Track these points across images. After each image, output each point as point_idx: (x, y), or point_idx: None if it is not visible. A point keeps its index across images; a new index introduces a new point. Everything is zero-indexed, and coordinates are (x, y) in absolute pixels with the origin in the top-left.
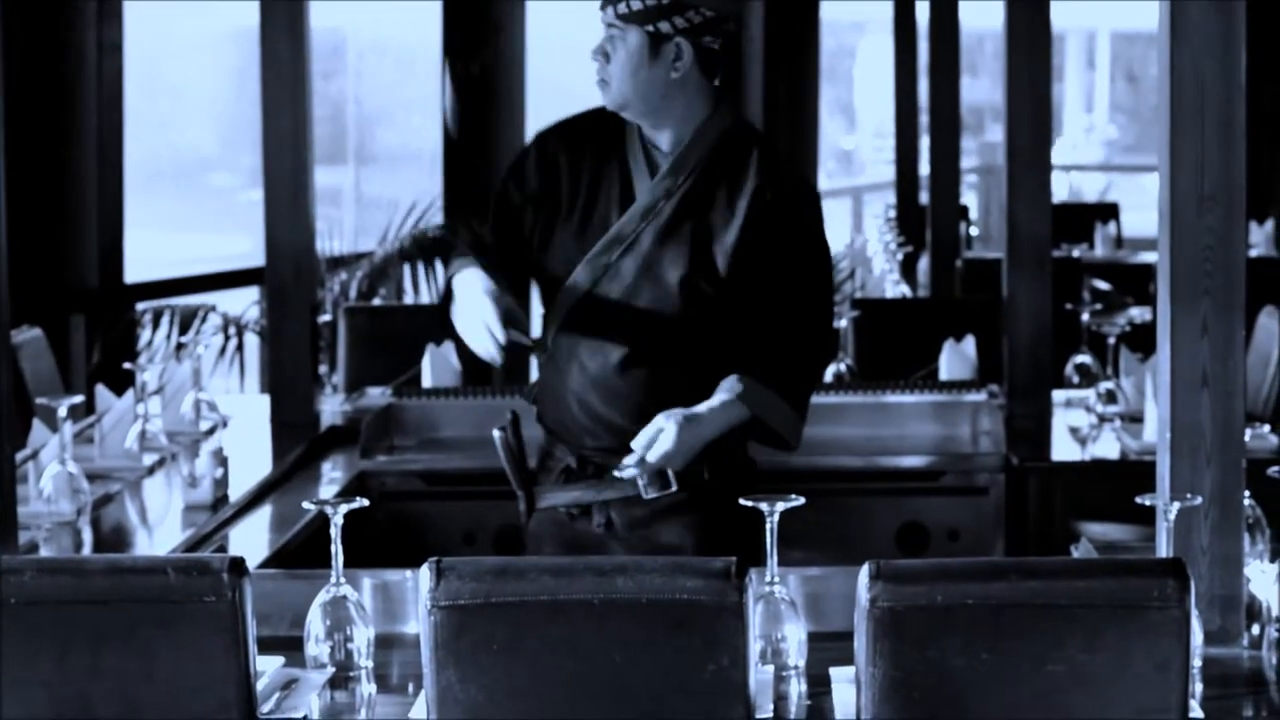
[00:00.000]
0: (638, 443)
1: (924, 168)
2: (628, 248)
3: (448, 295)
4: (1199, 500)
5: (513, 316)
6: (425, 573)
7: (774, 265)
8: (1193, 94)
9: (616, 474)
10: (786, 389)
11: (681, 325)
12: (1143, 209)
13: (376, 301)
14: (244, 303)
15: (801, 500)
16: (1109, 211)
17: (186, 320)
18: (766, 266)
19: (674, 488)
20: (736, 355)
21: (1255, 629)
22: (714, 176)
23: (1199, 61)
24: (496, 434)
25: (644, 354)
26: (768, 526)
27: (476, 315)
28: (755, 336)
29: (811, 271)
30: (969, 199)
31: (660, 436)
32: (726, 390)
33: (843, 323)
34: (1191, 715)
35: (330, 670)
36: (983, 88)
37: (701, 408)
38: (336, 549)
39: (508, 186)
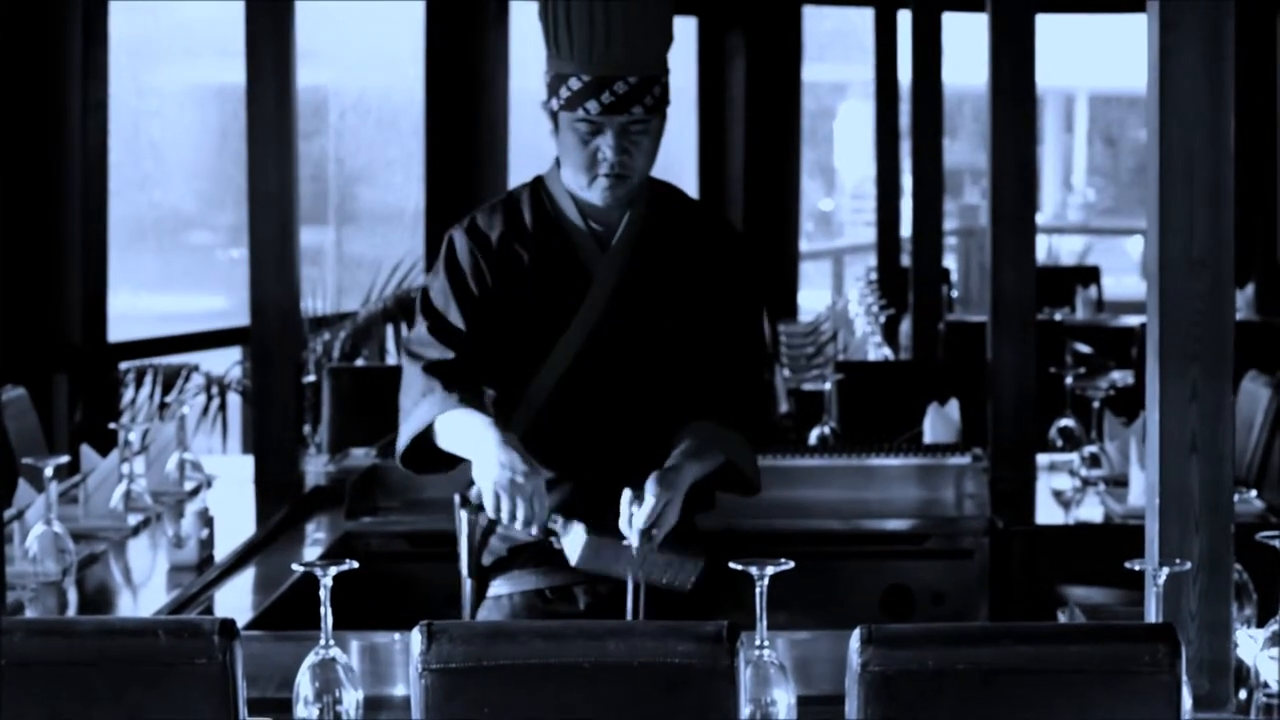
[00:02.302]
0: (631, 519)
1: (904, 229)
2: (597, 327)
3: (424, 441)
4: (1188, 565)
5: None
6: (416, 636)
7: (724, 310)
8: (1181, 158)
9: (628, 546)
10: (747, 429)
11: (659, 389)
12: (1121, 272)
13: (360, 362)
14: (226, 362)
15: (791, 564)
16: (1090, 275)
17: (169, 380)
18: (718, 312)
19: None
20: (692, 400)
21: (1242, 694)
22: (659, 237)
23: (1188, 126)
24: (463, 514)
25: (630, 425)
26: (757, 590)
27: (521, 485)
28: (707, 380)
29: (753, 310)
30: (948, 261)
31: (653, 509)
32: (694, 436)
33: (826, 385)
34: None
35: None
36: (962, 150)
37: (674, 461)
38: (326, 611)
39: (456, 283)
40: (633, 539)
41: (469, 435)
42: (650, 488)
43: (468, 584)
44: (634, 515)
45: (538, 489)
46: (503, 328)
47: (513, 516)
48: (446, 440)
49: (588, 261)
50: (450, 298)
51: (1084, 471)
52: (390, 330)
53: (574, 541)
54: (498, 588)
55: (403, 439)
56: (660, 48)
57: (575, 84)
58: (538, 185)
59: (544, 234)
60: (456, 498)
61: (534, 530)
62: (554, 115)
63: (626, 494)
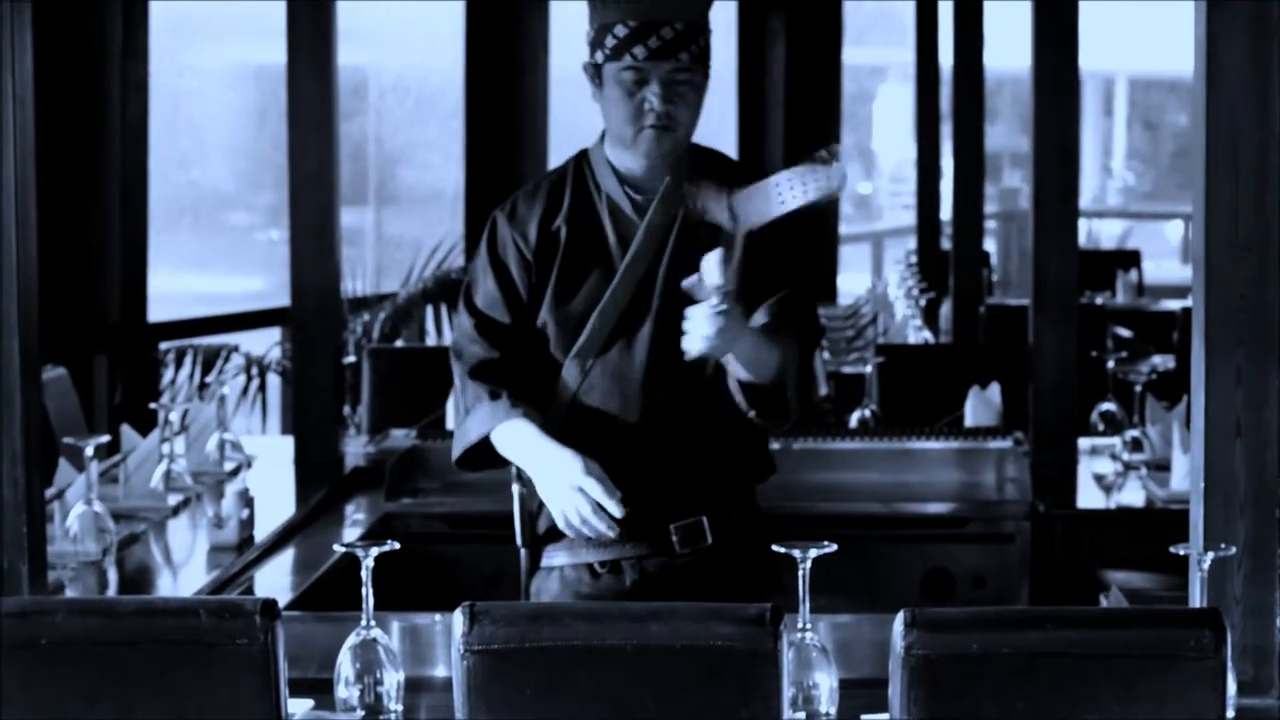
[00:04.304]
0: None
1: (944, 213)
2: (636, 295)
3: (479, 451)
4: (1233, 550)
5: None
6: (458, 617)
7: (774, 266)
8: (1227, 142)
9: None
10: (805, 346)
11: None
12: (1161, 256)
13: (399, 343)
14: (266, 343)
15: (834, 547)
16: (1130, 259)
17: (209, 360)
18: (768, 270)
19: (709, 540)
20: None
21: None
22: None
23: (1233, 109)
24: (516, 489)
25: (672, 395)
26: (800, 573)
27: (576, 493)
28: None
29: (802, 277)
30: (988, 244)
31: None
32: (765, 315)
33: (866, 369)
34: None
35: (360, 714)
36: (1002, 133)
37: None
38: (367, 592)
39: (499, 274)
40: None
41: (527, 451)
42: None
43: (523, 554)
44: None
45: (605, 490)
46: (544, 306)
47: (585, 525)
48: (505, 451)
49: (626, 231)
50: (495, 290)
51: (1126, 456)
52: (430, 311)
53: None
54: (550, 558)
55: (456, 449)
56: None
57: (621, 31)
58: (581, 159)
59: (582, 209)
60: (514, 469)
61: (609, 532)
62: (598, 70)
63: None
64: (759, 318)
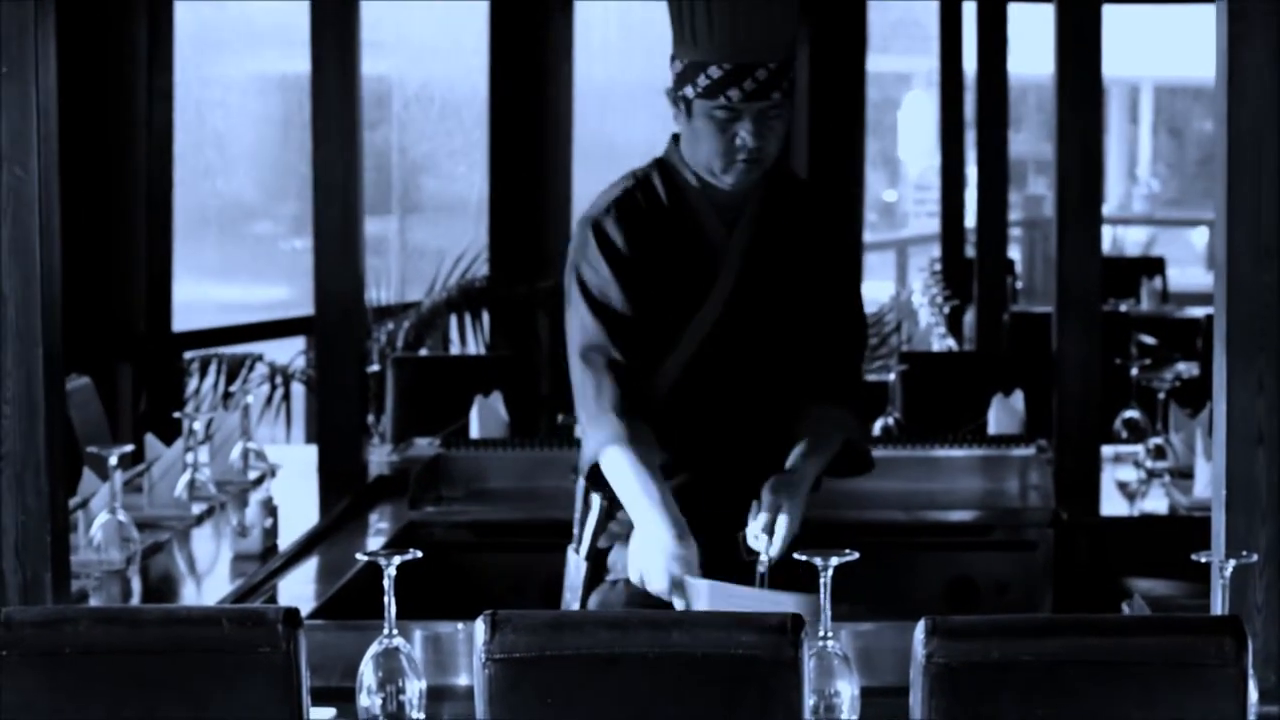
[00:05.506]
0: (755, 538)
1: (969, 220)
2: (724, 311)
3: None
4: (1254, 558)
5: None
6: (480, 625)
7: (830, 285)
8: (1250, 148)
9: (758, 566)
10: (858, 402)
11: (777, 369)
12: (1186, 263)
13: (423, 352)
14: (290, 352)
15: (855, 555)
16: (1155, 266)
17: (234, 369)
18: (825, 287)
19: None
20: (804, 380)
21: None
22: (777, 217)
23: (1256, 115)
24: (595, 497)
25: (749, 408)
26: (821, 581)
27: (671, 562)
28: (819, 358)
29: (855, 282)
30: (1012, 252)
31: (776, 524)
32: (811, 431)
33: (890, 376)
34: None
35: None
36: (1026, 140)
37: (793, 463)
38: (389, 600)
39: (620, 272)
40: (761, 552)
41: (632, 494)
42: (769, 501)
43: (583, 567)
44: (760, 537)
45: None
46: (645, 314)
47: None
48: (609, 475)
49: (717, 244)
50: (618, 289)
51: (1149, 463)
52: (454, 320)
53: (698, 595)
54: (616, 572)
55: (585, 462)
56: (793, 33)
57: (715, 72)
58: (665, 168)
59: (679, 218)
60: (581, 481)
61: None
62: (688, 103)
63: (755, 516)
64: (800, 453)
